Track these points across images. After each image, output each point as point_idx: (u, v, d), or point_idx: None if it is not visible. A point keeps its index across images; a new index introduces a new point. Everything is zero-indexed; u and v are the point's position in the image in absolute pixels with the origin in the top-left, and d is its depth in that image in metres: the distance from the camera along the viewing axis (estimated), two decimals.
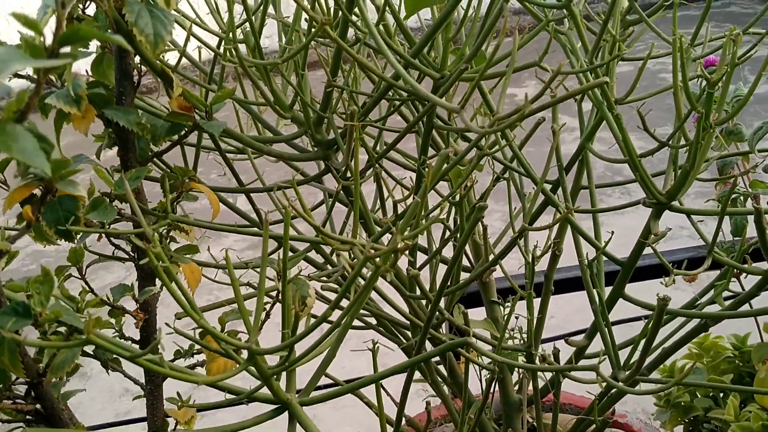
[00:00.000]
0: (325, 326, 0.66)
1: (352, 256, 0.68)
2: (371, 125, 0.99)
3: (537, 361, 1.03)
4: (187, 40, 0.82)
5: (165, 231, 0.91)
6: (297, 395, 0.70)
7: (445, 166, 0.87)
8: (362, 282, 0.75)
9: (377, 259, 0.55)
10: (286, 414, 0.69)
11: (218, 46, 0.91)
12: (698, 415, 1.30)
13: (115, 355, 0.92)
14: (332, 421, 2.53)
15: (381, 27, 0.99)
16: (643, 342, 0.91)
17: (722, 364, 1.31)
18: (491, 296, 1.16)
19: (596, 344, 1.03)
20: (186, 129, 0.77)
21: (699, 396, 1.32)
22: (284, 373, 0.72)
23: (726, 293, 0.91)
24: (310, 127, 0.93)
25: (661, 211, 0.88)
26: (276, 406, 0.69)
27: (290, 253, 0.82)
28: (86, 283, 0.96)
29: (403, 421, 1.04)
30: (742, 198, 1.15)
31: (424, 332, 0.78)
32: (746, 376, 1.30)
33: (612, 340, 0.94)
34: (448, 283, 0.99)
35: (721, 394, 1.31)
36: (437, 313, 1.07)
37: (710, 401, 1.30)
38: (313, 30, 0.81)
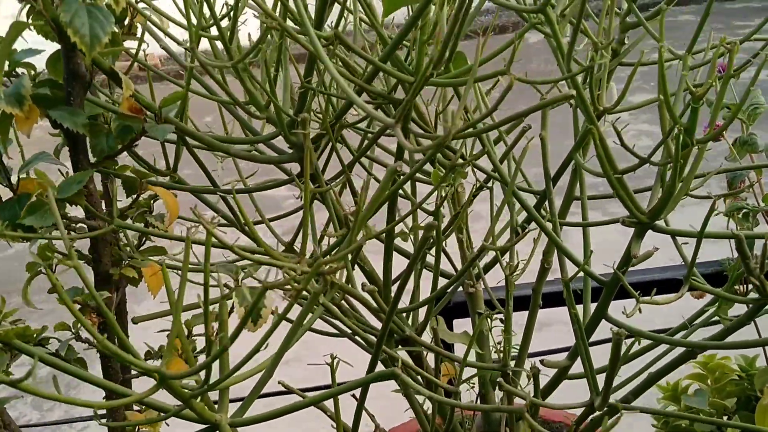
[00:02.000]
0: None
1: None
2: (349, 127, 0.95)
3: (511, 380, 0.98)
4: (142, 38, 0.79)
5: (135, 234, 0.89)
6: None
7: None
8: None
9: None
10: None
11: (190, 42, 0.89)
12: None
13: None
14: None
15: (360, 25, 0.95)
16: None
17: (728, 386, 1.24)
18: (478, 307, 1.12)
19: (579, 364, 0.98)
20: (136, 133, 0.75)
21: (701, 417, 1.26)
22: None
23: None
24: (283, 128, 0.90)
25: (643, 231, 0.82)
26: (206, 425, 0.67)
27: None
28: (54, 280, 0.95)
29: None
30: (751, 214, 1.08)
31: (377, 348, 0.74)
32: (753, 399, 1.23)
33: (590, 364, 0.89)
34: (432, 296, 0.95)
35: (725, 417, 1.24)
36: (420, 324, 1.03)
37: (712, 427, 1.23)
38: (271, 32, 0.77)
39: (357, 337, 1.03)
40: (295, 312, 0.70)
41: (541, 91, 0.97)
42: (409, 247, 1.11)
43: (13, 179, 0.82)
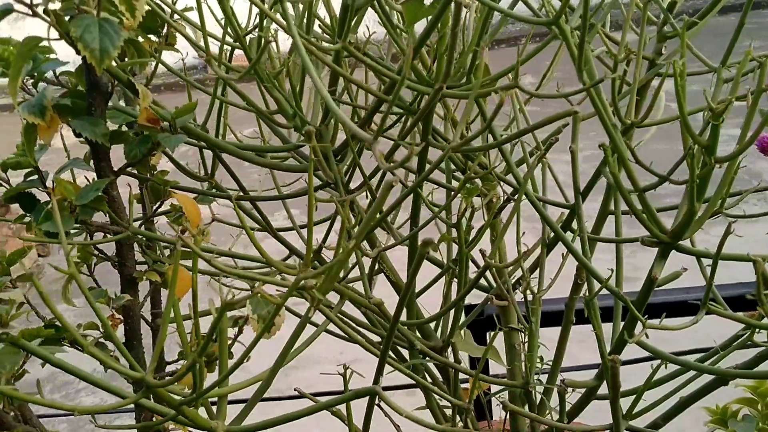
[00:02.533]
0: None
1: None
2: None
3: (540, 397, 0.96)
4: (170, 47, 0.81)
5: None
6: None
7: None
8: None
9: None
10: None
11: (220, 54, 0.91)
12: None
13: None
14: None
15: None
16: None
17: None
18: (510, 322, 1.10)
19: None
20: (152, 143, 0.77)
21: None
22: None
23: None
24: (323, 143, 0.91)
25: (666, 251, 0.79)
26: None
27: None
28: (95, 280, 0.99)
29: None
30: None
31: (381, 360, 0.74)
32: None
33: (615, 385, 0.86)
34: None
35: None
36: (440, 337, 1.02)
37: None
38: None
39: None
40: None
41: (571, 102, 0.94)
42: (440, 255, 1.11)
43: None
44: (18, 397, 0.52)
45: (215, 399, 0.71)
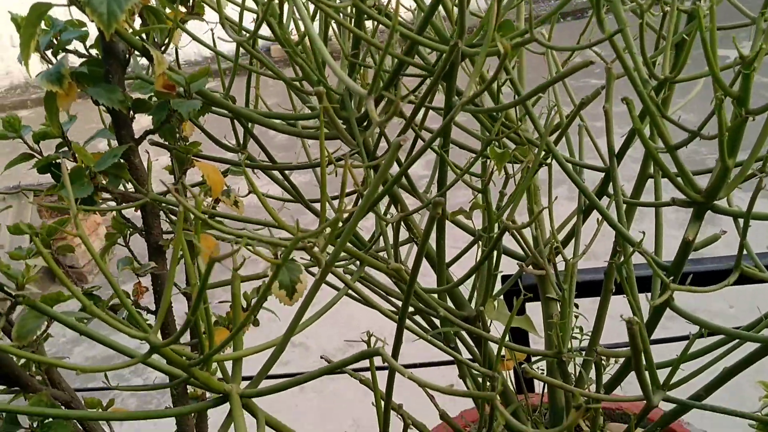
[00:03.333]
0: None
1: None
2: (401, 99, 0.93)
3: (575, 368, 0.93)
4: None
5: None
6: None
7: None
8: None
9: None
10: None
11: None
12: None
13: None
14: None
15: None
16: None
17: None
18: (547, 292, 1.06)
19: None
20: (169, 110, 0.77)
21: None
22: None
23: None
24: (334, 104, 0.90)
25: (700, 213, 0.74)
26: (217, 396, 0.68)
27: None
28: (130, 249, 1.00)
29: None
30: None
31: (399, 324, 0.73)
32: None
33: (649, 356, 0.82)
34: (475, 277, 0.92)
35: None
36: (473, 308, 1.00)
37: None
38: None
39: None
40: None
41: (606, 60, 0.90)
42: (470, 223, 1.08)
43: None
44: (30, 357, 0.52)
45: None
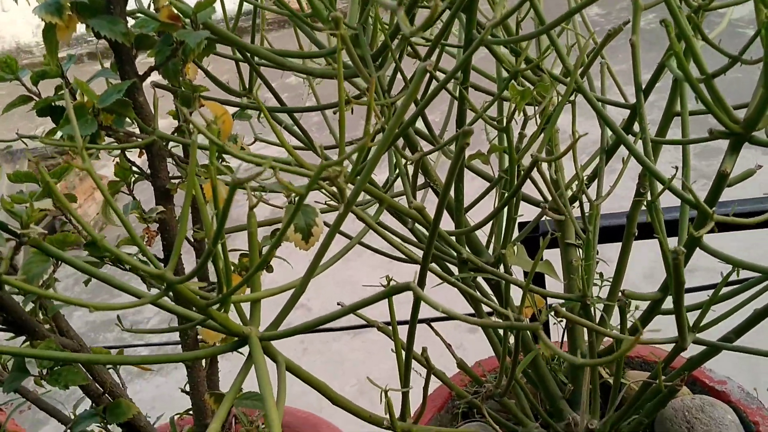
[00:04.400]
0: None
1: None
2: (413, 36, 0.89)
3: (595, 311, 0.90)
4: None
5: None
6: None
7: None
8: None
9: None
10: None
11: None
12: None
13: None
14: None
15: None
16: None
17: None
18: (567, 237, 1.03)
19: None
20: (174, 43, 0.73)
21: None
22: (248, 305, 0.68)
23: None
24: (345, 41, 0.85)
25: (738, 144, 0.71)
26: (236, 339, 0.65)
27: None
28: (134, 198, 0.96)
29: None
30: None
31: (423, 267, 0.69)
32: None
33: (679, 297, 0.79)
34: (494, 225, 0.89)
35: None
36: (492, 253, 0.96)
37: None
38: None
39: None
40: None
41: None
42: (488, 169, 1.05)
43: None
44: (35, 292, 0.49)
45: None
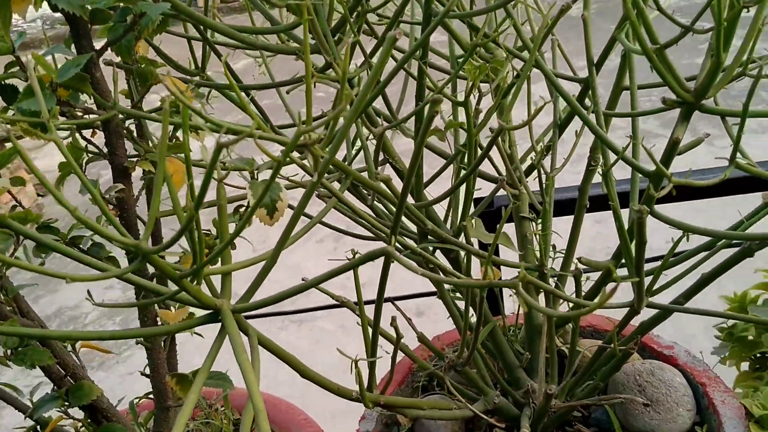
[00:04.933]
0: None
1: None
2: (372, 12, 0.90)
3: (551, 281, 0.93)
4: None
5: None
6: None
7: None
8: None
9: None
10: None
11: None
12: (766, 353, 1.15)
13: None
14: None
15: None
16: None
17: None
18: (521, 211, 1.06)
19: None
20: (134, 15, 0.71)
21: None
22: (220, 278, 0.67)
23: None
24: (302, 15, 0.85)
25: (689, 113, 0.74)
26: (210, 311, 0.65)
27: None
28: (85, 179, 0.94)
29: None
30: None
31: (391, 239, 0.70)
32: None
33: (633, 262, 0.82)
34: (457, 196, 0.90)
35: None
36: (450, 227, 0.98)
37: None
38: None
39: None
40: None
41: None
42: (445, 147, 1.06)
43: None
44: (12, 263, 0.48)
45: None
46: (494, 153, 1.03)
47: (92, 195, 0.57)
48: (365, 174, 0.89)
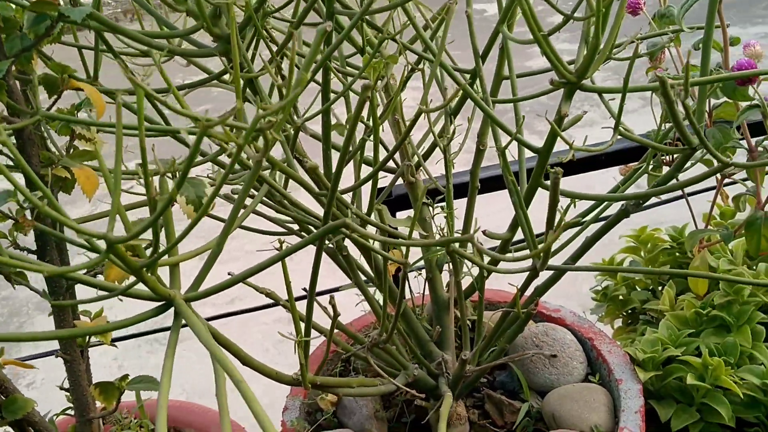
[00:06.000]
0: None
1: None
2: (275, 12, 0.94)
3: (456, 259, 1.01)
4: None
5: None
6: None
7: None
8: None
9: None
10: None
11: None
12: (635, 308, 1.30)
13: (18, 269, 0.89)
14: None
15: None
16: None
17: (660, 255, 1.30)
18: (419, 197, 1.13)
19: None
20: (51, 21, 0.72)
21: (638, 289, 1.32)
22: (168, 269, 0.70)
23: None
24: (205, 19, 0.88)
25: (572, 92, 0.84)
26: (161, 303, 0.67)
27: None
28: None
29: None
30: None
31: (324, 229, 0.75)
32: (684, 266, 1.29)
33: (530, 230, 0.92)
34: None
35: (660, 288, 1.31)
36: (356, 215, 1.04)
37: (648, 294, 1.29)
38: None
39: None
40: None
41: None
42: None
43: None
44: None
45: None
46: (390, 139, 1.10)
47: (12, 182, 0.58)
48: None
